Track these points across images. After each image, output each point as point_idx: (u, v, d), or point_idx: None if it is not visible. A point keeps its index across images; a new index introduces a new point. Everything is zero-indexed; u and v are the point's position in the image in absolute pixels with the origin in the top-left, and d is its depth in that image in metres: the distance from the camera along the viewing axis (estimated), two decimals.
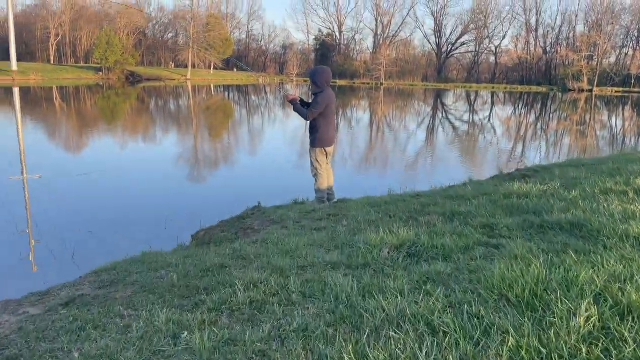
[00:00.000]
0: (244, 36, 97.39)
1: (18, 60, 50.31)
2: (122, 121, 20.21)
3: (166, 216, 6.80)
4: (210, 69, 75.27)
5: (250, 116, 25.14)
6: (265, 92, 48.82)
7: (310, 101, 5.95)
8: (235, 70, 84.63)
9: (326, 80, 5.76)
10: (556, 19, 77.07)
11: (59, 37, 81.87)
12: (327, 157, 6.03)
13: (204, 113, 25.48)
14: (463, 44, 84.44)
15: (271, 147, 14.37)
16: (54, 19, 79.27)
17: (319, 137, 5.86)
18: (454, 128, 21.77)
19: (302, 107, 5.83)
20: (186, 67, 70.62)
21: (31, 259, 5.02)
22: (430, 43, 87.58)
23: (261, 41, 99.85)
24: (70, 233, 5.82)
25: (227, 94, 45.37)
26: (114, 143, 14.12)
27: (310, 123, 5.93)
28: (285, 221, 4.75)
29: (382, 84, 73.41)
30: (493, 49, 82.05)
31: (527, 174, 6.68)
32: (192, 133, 17.31)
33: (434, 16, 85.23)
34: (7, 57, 49.95)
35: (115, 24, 74.69)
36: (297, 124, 17.78)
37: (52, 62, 76.87)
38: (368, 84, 74.26)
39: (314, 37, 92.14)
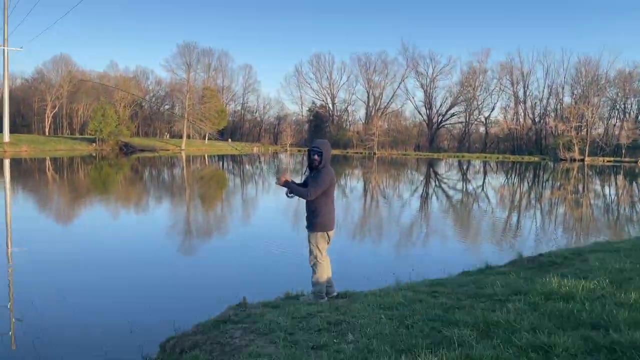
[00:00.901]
0: (239, 108, 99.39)
1: (14, 132, 50.21)
2: (110, 193, 19.38)
3: (136, 310, 5.78)
4: (204, 139, 75.85)
5: (243, 187, 24.44)
6: (260, 162, 48.63)
7: (305, 179, 5.17)
8: (229, 140, 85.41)
9: (330, 155, 5.10)
10: (543, 91, 79.17)
11: (56, 109, 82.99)
12: (328, 243, 5.15)
13: (195, 183, 24.79)
14: (453, 114, 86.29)
15: (262, 223, 13.46)
16: (51, 91, 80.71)
17: (320, 219, 5.01)
18: (453, 199, 21.10)
19: (298, 187, 5.04)
20: (181, 137, 71.11)
21: (11, 334, 4.85)
22: (421, 114, 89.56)
23: (256, 112, 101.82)
24: (49, 312, 5.55)
25: (221, 163, 45.07)
26: (96, 216, 13.24)
27: (309, 203, 5.07)
28: (274, 332, 3.76)
29: (374, 153, 73.95)
30: (483, 119, 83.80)
31: (556, 261, 5.79)
32: (181, 206, 16.45)
33: (423, 89, 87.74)
34: (0, 129, 49.90)
35: (113, 97, 76.02)
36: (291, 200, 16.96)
37: (47, 133, 77.27)
38: (361, 153, 74.79)
39: (307, 108, 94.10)
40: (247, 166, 42.80)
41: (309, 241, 5.14)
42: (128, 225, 12.31)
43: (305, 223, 5.25)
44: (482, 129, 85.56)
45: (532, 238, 11.28)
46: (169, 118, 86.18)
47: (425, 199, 20.53)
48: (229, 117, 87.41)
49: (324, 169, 4.98)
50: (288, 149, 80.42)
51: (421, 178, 34.19)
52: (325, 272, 5.13)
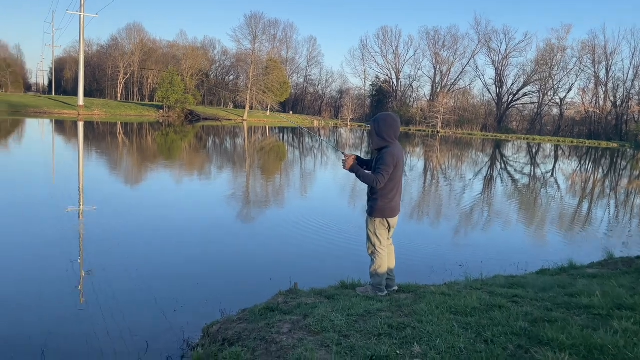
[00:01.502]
0: (301, 80, 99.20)
1: (89, 96, 52.71)
2: (174, 159, 19.67)
3: (185, 285, 5.50)
4: (266, 110, 76.41)
5: (302, 160, 24.14)
6: (320, 135, 48.28)
7: (370, 158, 4.57)
8: (290, 112, 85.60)
9: (394, 132, 4.30)
10: (628, 72, 72.75)
11: (127, 76, 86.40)
12: (389, 231, 4.57)
13: (256, 154, 24.77)
14: (525, 94, 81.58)
15: (320, 200, 13.02)
16: (124, 58, 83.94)
17: (380, 204, 4.33)
18: (520, 183, 19.69)
19: (366, 173, 4.39)
20: (244, 107, 71.99)
21: (80, 289, 5.05)
22: (490, 92, 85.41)
23: (318, 85, 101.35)
24: (111, 270, 5.73)
25: (281, 135, 45.11)
26: (160, 181, 13.47)
27: (375, 188, 4.41)
28: (327, 332, 3.27)
29: (438, 132, 71.54)
30: (558, 100, 78.65)
31: None
32: (240, 177, 16.32)
33: (495, 66, 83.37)
34: (75, 93, 52.60)
35: (181, 66, 77.96)
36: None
37: (119, 98, 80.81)
38: (424, 131, 72.61)
39: (370, 83, 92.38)
40: (306, 139, 42.57)
41: (367, 227, 4.54)
42: (189, 193, 12.25)
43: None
44: (555, 111, 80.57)
45: (618, 235, 10.10)
46: (233, 88, 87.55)
47: (490, 181, 19.30)
48: (291, 90, 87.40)
49: (385, 149, 4.24)
50: (349, 123, 79.50)
51: (486, 160, 32.47)
52: (385, 262, 4.54)
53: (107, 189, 11.68)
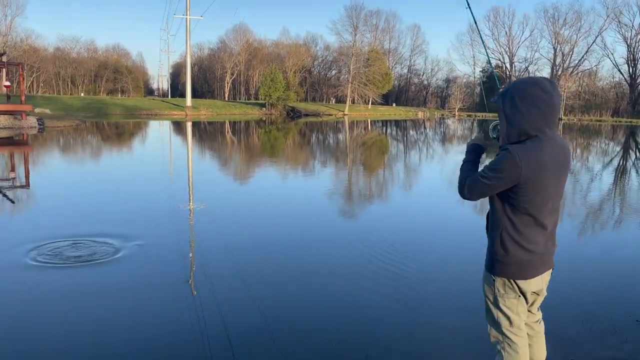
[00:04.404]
0: (405, 70, 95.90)
1: (199, 97, 55.14)
2: (277, 155, 18.85)
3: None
4: (368, 104, 74.61)
5: (406, 156, 22.02)
6: (424, 128, 45.38)
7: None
8: (393, 105, 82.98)
9: (544, 117, 2.23)
10: None
11: (234, 76, 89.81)
12: (527, 302, 2.47)
13: (357, 149, 23.13)
14: None
15: (423, 215, 10.93)
16: (230, 59, 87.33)
17: (502, 253, 2.35)
18: None
19: (470, 161, 2.52)
20: (345, 102, 70.95)
21: (191, 283, 4.84)
22: (621, 73, 75.30)
23: (423, 75, 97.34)
24: (220, 263, 5.48)
25: (384, 129, 43.00)
26: (264, 178, 12.99)
27: (489, 214, 2.47)
28: None
29: (561, 119, 64.48)
30: None
31: None
32: (343, 174, 14.76)
33: (626, 42, 73.26)
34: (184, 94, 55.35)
35: (284, 63, 79.10)
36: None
37: (226, 98, 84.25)
38: None
39: (480, 69, 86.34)
40: (410, 132, 40.06)
41: (484, 289, 2.52)
42: (291, 191, 11.30)
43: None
44: None
45: None
46: (335, 82, 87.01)
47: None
48: (394, 81, 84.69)
49: (505, 151, 2.22)
50: (456, 113, 74.89)
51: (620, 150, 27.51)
52: (519, 355, 2.46)
53: (215, 185, 11.59)
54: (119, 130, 31.90)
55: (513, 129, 2.28)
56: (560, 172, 2.32)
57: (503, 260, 2.37)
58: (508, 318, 2.45)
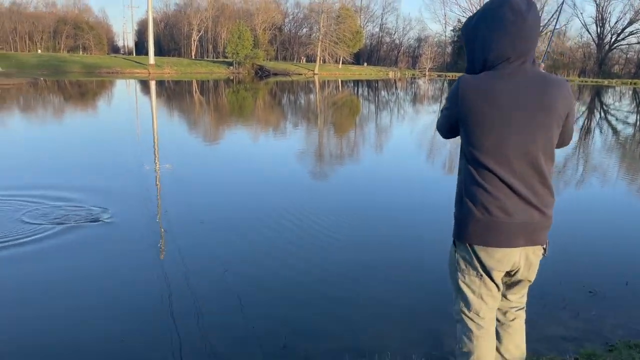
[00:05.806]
0: (377, 29, 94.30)
1: (166, 55, 52.92)
2: (243, 115, 18.30)
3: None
4: (338, 63, 73.33)
5: (377, 118, 21.71)
6: (396, 88, 44.99)
7: None
8: (365, 64, 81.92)
9: (501, 44, 1.83)
10: None
11: (201, 33, 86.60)
12: (496, 285, 2.05)
13: (327, 109, 22.68)
14: (632, 33, 71.36)
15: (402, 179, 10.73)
16: (197, 16, 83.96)
17: (458, 207, 2.02)
18: None
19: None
20: (315, 61, 69.52)
21: (160, 245, 4.87)
22: (589, 32, 75.81)
23: (394, 34, 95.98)
24: (189, 226, 5.51)
25: (355, 89, 42.39)
26: (232, 139, 12.94)
27: (460, 170, 2.16)
28: None
29: None
30: None
31: None
32: (312, 134, 14.40)
33: (595, 2, 73.38)
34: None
35: (253, 20, 76.48)
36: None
37: (193, 56, 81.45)
38: None
39: (451, 28, 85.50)
40: (382, 92, 39.66)
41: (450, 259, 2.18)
42: (261, 151, 11.34)
43: None
44: None
45: None
46: (306, 41, 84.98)
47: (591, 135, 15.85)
48: (366, 40, 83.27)
49: (459, 78, 1.94)
50: (427, 73, 74.56)
51: (584, 109, 27.91)
52: (474, 346, 2.08)
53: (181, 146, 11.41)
54: (73, 90, 30.38)
55: (477, 59, 1.92)
56: (529, 113, 1.83)
57: (459, 217, 2.00)
58: (465, 299, 2.08)
